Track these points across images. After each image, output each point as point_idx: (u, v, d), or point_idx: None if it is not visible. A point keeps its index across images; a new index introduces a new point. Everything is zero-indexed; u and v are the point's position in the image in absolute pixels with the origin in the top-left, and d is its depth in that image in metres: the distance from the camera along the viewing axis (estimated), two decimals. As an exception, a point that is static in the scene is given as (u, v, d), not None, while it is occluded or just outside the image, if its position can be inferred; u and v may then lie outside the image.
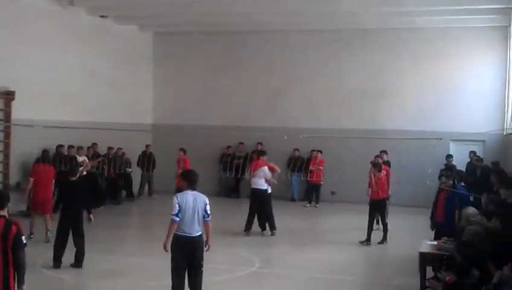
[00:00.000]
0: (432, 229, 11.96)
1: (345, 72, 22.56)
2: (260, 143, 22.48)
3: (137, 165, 22.29)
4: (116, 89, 21.93)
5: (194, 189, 8.59)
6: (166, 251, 8.51)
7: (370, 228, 14.60)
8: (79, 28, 20.27)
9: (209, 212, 8.52)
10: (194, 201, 8.46)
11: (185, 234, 8.44)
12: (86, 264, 11.75)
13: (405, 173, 19.86)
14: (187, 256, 8.49)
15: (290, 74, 23.25)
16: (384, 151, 18.87)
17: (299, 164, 21.66)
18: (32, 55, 18.16)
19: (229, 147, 22.81)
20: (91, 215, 11.85)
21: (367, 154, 17.91)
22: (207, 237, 8.64)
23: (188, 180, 8.60)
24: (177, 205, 8.38)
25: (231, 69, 23.71)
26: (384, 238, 14.61)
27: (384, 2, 18.45)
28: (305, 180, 21.26)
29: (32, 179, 14.18)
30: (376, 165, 14.61)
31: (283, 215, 18.75)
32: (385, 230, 14.67)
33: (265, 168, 15.23)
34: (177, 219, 8.38)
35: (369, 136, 20.22)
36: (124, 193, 21.93)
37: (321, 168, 21.04)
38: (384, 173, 15.15)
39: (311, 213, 20.30)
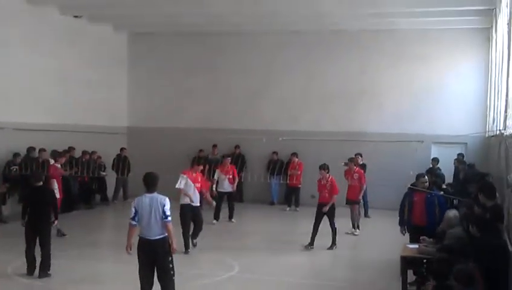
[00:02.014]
0: (404, 234, 11.85)
1: (323, 73, 22.61)
2: (237, 146, 22.62)
3: (112, 168, 22.18)
4: (90, 91, 21.73)
5: (152, 191, 8.73)
6: (128, 253, 8.80)
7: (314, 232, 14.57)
8: (52, 28, 20.04)
9: (167, 213, 8.59)
10: (151, 204, 8.61)
11: (144, 237, 8.65)
12: (58, 270, 11.65)
13: (386, 176, 19.96)
14: (150, 259, 8.67)
15: (267, 76, 23.27)
16: (359, 154, 19.44)
17: (278, 167, 21.72)
18: (2, 56, 17.95)
19: (201, 150, 22.30)
20: (56, 220, 11.90)
21: (347, 156, 17.96)
22: (170, 239, 8.72)
23: (144, 182, 8.77)
24: (133, 209, 8.67)
25: (207, 71, 23.62)
26: (334, 244, 14.49)
27: (363, 3, 18.31)
28: (285, 183, 21.30)
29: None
30: (323, 167, 14.53)
31: (262, 219, 19.54)
32: (334, 234, 14.55)
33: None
34: (134, 222, 8.67)
35: (349, 139, 20.46)
36: (98, 197, 21.85)
37: (299, 172, 20.99)
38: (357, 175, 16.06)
39: (291, 217, 20.33)
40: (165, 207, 8.63)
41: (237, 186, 18.99)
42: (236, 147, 22.58)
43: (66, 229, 15.22)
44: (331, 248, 14.38)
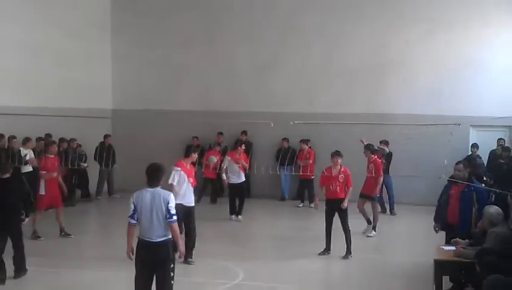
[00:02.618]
0: (437, 232, 11.91)
1: (345, 44, 22.58)
2: (244, 132, 22.60)
3: (95, 158, 22.23)
4: (66, 67, 21.68)
5: (154, 185, 8.72)
6: (130, 258, 8.77)
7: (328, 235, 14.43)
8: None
9: (172, 211, 8.60)
10: (152, 200, 8.61)
11: (143, 239, 8.65)
12: (31, 279, 11.74)
13: (415, 166, 20.08)
14: (149, 264, 8.66)
15: (278, 47, 23.09)
16: (385, 141, 19.53)
17: (290, 156, 21.67)
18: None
19: (195, 137, 22.52)
20: (26, 218, 12.06)
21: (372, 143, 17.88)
22: (175, 241, 8.77)
23: (146, 175, 8.75)
24: (132, 205, 8.65)
25: (206, 41, 23.57)
26: (349, 251, 14.20)
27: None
28: (297, 175, 21.29)
29: None
30: (337, 154, 14.32)
31: (271, 218, 19.85)
32: (348, 239, 14.24)
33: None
34: (133, 221, 8.66)
35: (373, 122, 20.23)
36: (78, 192, 21.96)
37: (310, 161, 21.10)
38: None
39: (304, 215, 20.29)
40: (170, 205, 8.63)
41: (246, 179, 19.22)
42: (243, 133, 22.61)
43: (42, 230, 15.31)
44: (346, 257, 14.09)
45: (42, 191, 15.36)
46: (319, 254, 14.22)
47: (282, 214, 20.55)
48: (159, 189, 8.71)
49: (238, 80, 23.43)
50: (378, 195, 16.72)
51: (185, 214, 13.00)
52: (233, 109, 22.82)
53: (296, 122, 18.81)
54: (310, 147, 21.72)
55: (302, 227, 18.29)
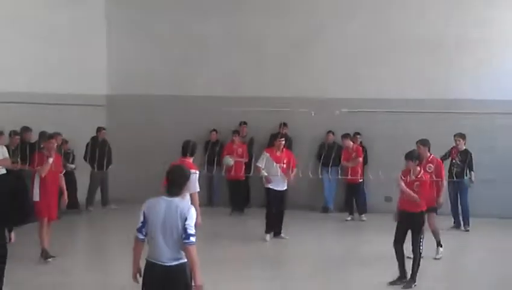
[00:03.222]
0: None
1: (403, 10, 22.40)
2: (284, 125, 22.40)
3: (85, 158, 21.79)
4: (52, 44, 21.39)
5: (174, 195, 8.51)
6: (136, 281, 8.65)
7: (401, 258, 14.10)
8: None
9: (190, 231, 8.31)
10: (166, 212, 8.43)
11: (153, 261, 8.54)
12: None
13: (498, 168, 20.14)
14: None
15: (315, 19, 22.87)
16: (461, 135, 19.28)
17: (336, 154, 20.93)
18: None
19: (213, 131, 22.68)
20: (12, 234, 11.63)
21: (438, 139, 17.80)
22: (192, 270, 8.40)
23: (167, 180, 8.61)
24: (141, 216, 8.51)
25: (225, 13, 23.42)
26: (413, 279, 13.78)
27: None
28: (344, 180, 21.23)
29: None
30: (412, 156, 13.78)
31: (309, 236, 19.29)
32: (416, 263, 13.85)
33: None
34: (141, 236, 8.53)
35: (440, 111, 20.11)
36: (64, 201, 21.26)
37: (359, 160, 20.83)
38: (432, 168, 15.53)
39: (352, 231, 20.17)
40: (188, 221, 8.32)
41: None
42: (283, 125, 22.35)
43: (18, 250, 14.27)
44: (408, 286, 13.65)
45: (37, 197, 15.08)
46: (391, 284, 13.80)
47: (322, 230, 20.16)
48: (177, 200, 8.45)
49: (266, 60, 23.18)
50: (440, 203, 16.15)
51: None
52: (260, 94, 22.63)
53: (342, 110, 18.97)
54: (360, 143, 21.76)
55: (348, 247, 18.26)
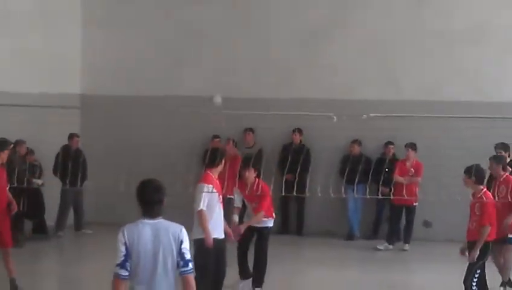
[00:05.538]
0: None
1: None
2: (299, 131, 21.44)
3: (54, 172, 20.91)
4: (16, 33, 20.55)
5: (156, 215, 8.15)
6: None
7: None
8: None
9: (187, 256, 8.07)
10: (156, 238, 8.13)
11: None
12: None
13: None
14: None
15: (337, 4, 21.85)
16: (505, 146, 18.63)
17: (363, 168, 19.04)
18: None
19: (215, 137, 21.39)
20: None
21: (488, 150, 17.18)
22: None
23: (140, 198, 8.19)
24: (122, 248, 8.07)
25: None
26: None
27: None
28: (374, 199, 20.33)
29: None
30: (471, 172, 13.16)
31: (333, 272, 18.27)
32: None
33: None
34: (125, 273, 8.07)
35: (492, 116, 18.07)
36: (29, 224, 20.73)
37: (419, 179, 19.90)
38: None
39: (390, 262, 18.96)
40: (183, 245, 8.03)
41: (298, 207, 20.04)
42: (297, 131, 21.45)
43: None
44: None
45: None
46: None
47: (349, 262, 19.02)
48: (163, 221, 8.15)
49: (278, 52, 21.97)
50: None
51: (216, 252, 13.13)
52: (271, 96, 21.32)
53: (371, 115, 15.97)
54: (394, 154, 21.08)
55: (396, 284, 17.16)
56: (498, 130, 18.27)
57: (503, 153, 18.40)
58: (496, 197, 14.67)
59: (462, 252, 13.27)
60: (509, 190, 14.82)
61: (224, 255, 13.57)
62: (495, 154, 16.44)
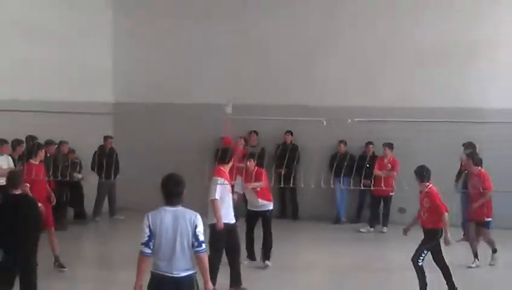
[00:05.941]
0: None
1: (416, 21, 22.39)
2: (289, 133, 22.67)
3: (92, 168, 22.17)
4: (53, 46, 21.36)
5: (176, 204, 8.72)
6: None
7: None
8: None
9: (201, 238, 8.63)
10: (175, 222, 8.61)
11: (162, 273, 8.67)
12: None
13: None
14: None
15: (328, 24, 22.92)
16: (472, 144, 19.02)
17: (348, 164, 20.30)
18: None
19: (224, 138, 22.01)
20: None
21: (453, 148, 18.64)
22: (204, 279, 8.72)
23: (163, 190, 8.78)
24: (146, 230, 8.64)
25: (233, 16, 23.45)
26: None
27: None
28: (357, 189, 20.78)
29: None
30: (416, 173, 13.99)
31: (324, 249, 19.27)
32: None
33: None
34: (148, 251, 8.67)
35: (455, 120, 19.09)
36: (71, 211, 21.78)
37: (395, 173, 20.98)
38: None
39: (372, 242, 20.23)
40: (198, 229, 8.63)
41: (291, 196, 21.35)
42: (288, 133, 22.70)
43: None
44: None
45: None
46: None
47: (337, 242, 19.99)
48: (181, 208, 8.74)
49: (277, 64, 23.20)
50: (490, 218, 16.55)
51: (229, 234, 13.81)
52: (271, 102, 22.15)
53: (355, 119, 18.23)
54: (373, 153, 22.16)
55: (379, 262, 18.02)
56: (461, 132, 19.25)
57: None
58: (470, 188, 16.43)
59: (405, 232, 14.23)
60: (481, 181, 15.96)
61: (236, 236, 14.13)
62: (467, 151, 17.26)
